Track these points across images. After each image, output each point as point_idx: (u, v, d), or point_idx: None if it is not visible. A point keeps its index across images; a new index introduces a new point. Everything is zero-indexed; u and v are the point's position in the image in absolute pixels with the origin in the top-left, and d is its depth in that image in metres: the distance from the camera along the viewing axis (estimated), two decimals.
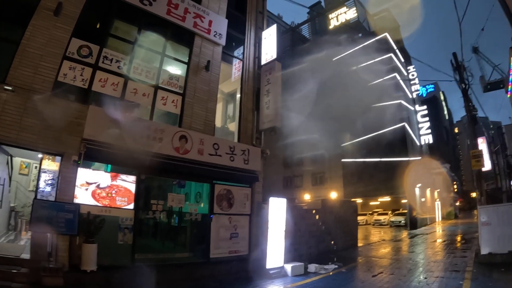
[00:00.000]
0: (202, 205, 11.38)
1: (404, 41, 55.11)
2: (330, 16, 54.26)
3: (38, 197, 9.27)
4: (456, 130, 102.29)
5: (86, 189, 8.71)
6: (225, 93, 15.90)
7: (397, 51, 47.95)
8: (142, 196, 9.89)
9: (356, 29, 48.03)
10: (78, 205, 8.22)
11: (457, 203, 65.22)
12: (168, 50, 11.43)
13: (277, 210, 11.52)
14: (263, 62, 13.63)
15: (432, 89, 77.58)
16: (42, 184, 9.73)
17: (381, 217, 38.99)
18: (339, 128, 40.00)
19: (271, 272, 10.78)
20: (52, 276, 7.52)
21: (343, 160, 44.35)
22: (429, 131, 44.24)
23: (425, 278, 9.84)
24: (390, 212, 39.07)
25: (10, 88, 7.83)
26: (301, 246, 13.79)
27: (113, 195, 9.13)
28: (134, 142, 9.22)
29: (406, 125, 41.99)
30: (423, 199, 38.84)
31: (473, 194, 62.85)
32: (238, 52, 14.23)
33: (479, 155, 15.78)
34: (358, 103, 38.45)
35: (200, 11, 12.09)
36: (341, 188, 43.81)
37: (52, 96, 8.39)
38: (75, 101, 9.08)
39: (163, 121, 11.29)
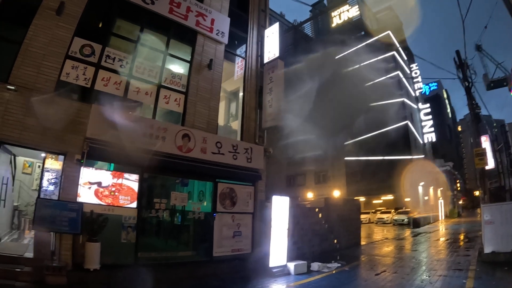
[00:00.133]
0: (205, 203, 11.37)
1: (407, 39, 54.89)
2: (333, 14, 54.08)
3: (41, 196, 9.33)
4: (459, 128, 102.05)
5: (89, 188, 8.72)
6: (228, 91, 15.88)
7: (400, 49, 47.86)
8: (145, 195, 9.90)
9: (359, 27, 47.83)
10: (81, 204, 8.23)
11: (460, 202, 65.12)
12: (170, 48, 11.42)
13: (280, 208, 11.51)
14: (265, 60, 13.61)
15: (435, 87, 77.42)
16: (45, 183, 9.78)
17: (384, 216, 38.90)
18: (342, 127, 40.00)
19: (274, 270, 10.77)
20: (55, 275, 7.55)
21: (346, 158, 44.36)
22: (432, 129, 44.17)
23: (428, 276, 9.81)
24: (393, 210, 38.98)
25: (13, 87, 7.85)
26: (304, 245, 13.78)
27: (116, 194, 9.14)
28: (137, 141, 9.22)
29: (409, 123, 41.99)
30: (426, 198, 38.79)
31: (477, 193, 62.87)
32: (240, 50, 14.21)
33: (483, 153, 15.72)
34: (361, 102, 38.45)
35: (202, 9, 12.08)
36: (344, 187, 43.85)
37: (55, 96, 8.39)
38: (77, 100, 9.11)
39: (165, 119, 11.31)
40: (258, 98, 13.34)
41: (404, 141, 40.78)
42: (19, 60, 8.21)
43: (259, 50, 13.96)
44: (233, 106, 16.14)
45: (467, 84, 16.90)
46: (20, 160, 13.28)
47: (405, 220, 34.48)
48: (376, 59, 42.64)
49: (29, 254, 8.32)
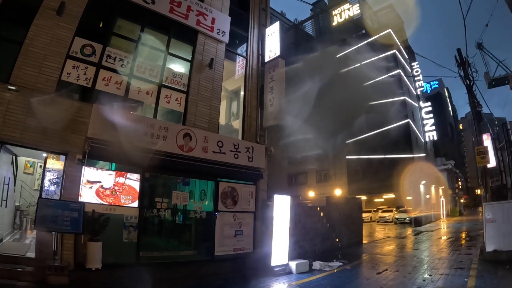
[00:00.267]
0: (206, 202, 11.38)
1: (408, 38, 54.79)
2: (333, 13, 53.99)
3: (43, 196, 9.34)
4: (460, 127, 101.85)
5: (91, 188, 8.73)
6: (229, 90, 15.88)
7: (401, 47, 47.80)
8: (146, 194, 9.91)
9: (360, 26, 47.76)
10: (83, 203, 8.23)
11: (462, 200, 65.08)
12: (171, 48, 11.42)
13: (281, 207, 11.51)
14: (266, 59, 13.60)
15: (437, 86, 77.24)
16: (46, 183, 9.79)
17: (386, 214, 38.87)
18: (343, 125, 39.97)
19: (275, 269, 10.78)
20: (57, 275, 7.56)
21: (347, 157, 44.32)
22: (434, 127, 44.10)
23: (430, 275, 9.80)
24: (394, 209, 38.94)
25: (14, 87, 7.86)
26: (306, 244, 13.79)
27: (118, 193, 9.14)
28: (138, 140, 9.23)
29: (411, 122, 41.94)
30: (427, 196, 38.75)
31: (478, 191, 62.75)
32: (241, 49, 14.21)
33: (484, 151, 15.70)
34: (362, 100, 38.42)
35: (203, 8, 12.07)
36: (345, 185, 43.82)
37: (56, 96, 8.40)
38: (79, 100, 9.12)
39: (167, 119, 11.31)
40: (259, 97, 13.32)
41: (406, 140, 40.71)
42: (20, 60, 8.22)
43: (260, 49, 13.95)
44: (234, 105, 16.14)
45: (468, 82, 16.87)
46: (22, 160, 13.31)
47: (407, 218, 34.45)
48: (377, 57, 42.52)
49: (31, 254, 8.35)
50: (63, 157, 8.84)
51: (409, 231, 26.89)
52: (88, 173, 8.71)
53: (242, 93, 13.52)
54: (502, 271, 9.87)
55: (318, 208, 15.51)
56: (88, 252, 8.08)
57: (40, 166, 13.03)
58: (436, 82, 76.86)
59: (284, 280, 10.09)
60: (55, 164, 9.93)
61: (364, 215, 27.59)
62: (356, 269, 11.69)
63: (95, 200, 8.72)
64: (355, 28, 47.36)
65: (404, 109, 42.10)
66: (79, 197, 8.39)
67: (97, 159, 9.10)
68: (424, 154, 43.01)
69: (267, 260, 10.95)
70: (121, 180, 9.29)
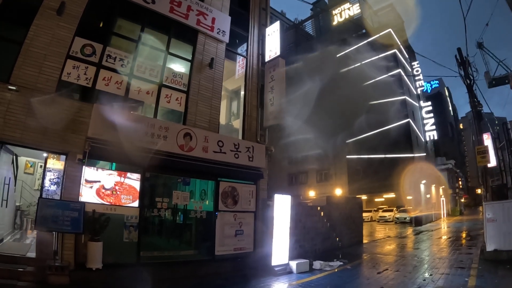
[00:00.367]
0: (207, 202, 11.38)
1: (408, 37, 54.75)
2: (334, 12, 53.94)
3: (43, 196, 9.34)
4: (461, 126, 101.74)
5: (91, 188, 8.74)
6: (229, 90, 15.88)
7: (401, 47, 47.77)
8: (147, 194, 9.91)
9: (360, 26, 47.71)
10: (83, 203, 8.23)
11: (462, 200, 65.05)
12: (171, 48, 11.42)
13: (282, 207, 11.50)
14: (266, 59, 13.60)
15: (437, 85, 77.15)
16: (47, 183, 9.78)
17: (386, 214, 38.87)
18: (344, 125, 39.96)
19: (276, 269, 10.78)
20: (57, 275, 7.57)
21: (348, 156, 44.30)
22: (434, 127, 44.08)
23: (431, 275, 9.80)
24: (395, 208, 38.93)
25: (14, 87, 7.86)
26: (306, 243, 13.79)
27: (118, 193, 9.15)
28: (138, 140, 9.24)
29: (411, 121, 41.92)
30: (428, 196, 38.74)
31: (479, 191, 62.73)
32: (241, 49, 14.22)
33: (485, 151, 15.69)
34: (362, 100, 38.41)
35: (203, 8, 12.07)
36: (346, 185, 43.80)
37: (56, 95, 8.40)
38: (79, 100, 9.12)
39: (167, 119, 11.31)
40: (260, 96, 13.33)
41: (406, 139, 40.69)
42: (20, 60, 8.22)
43: (260, 49, 13.95)
44: (235, 105, 16.15)
45: (468, 82, 16.86)
46: (22, 160, 13.30)
47: (407, 218, 34.43)
48: (377, 57, 42.52)
49: (32, 254, 8.36)
50: (63, 157, 8.85)
51: (409, 230, 26.89)
52: (89, 173, 8.72)
53: (242, 92, 13.53)
54: (502, 270, 9.86)
55: (319, 208, 15.51)
56: (89, 252, 8.08)
57: (41, 166, 13.03)
58: (437, 81, 76.79)
59: (284, 279, 10.08)
60: (56, 164, 9.92)
61: (364, 214, 27.60)
62: (357, 268, 11.70)
63: (95, 200, 8.73)
64: (355, 28, 47.30)
65: (405, 108, 42.08)
66: (80, 197, 8.40)
67: (98, 159, 9.09)
68: (425, 154, 42.98)
69: (267, 260, 10.95)
70: (121, 180, 9.30)
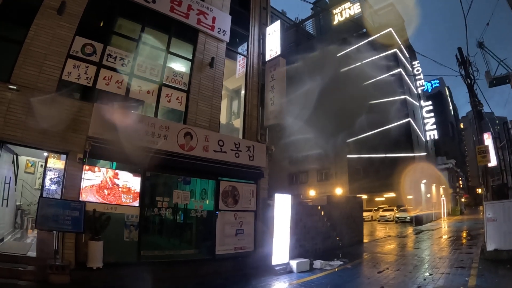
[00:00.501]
0: (207, 201, 11.38)
1: (409, 37, 54.73)
2: (334, 12, 53.90)
3: (44, 195, 9.32)
4: (461, 126, 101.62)
5: (92, 187, 8.74)
6: (230, 89, 15.88)
7: (401, 46, 47.74)
8: (147, 193, 9.92)
9: (360, 25, 47.68)
10: (84, 202, 8.24)
11: (463, 199, 65.04)
12: (172, 47, 11.42)
13: (282, 206, 11.50)
14: (267, 58, 13.59)
15: (437, 85, 77.09)
16: (47, 182, 9.77)
17: (387, 213, 38.82)
18: (344, 124, 39.95)
19: (276, 268, 10.78)
20: (58, 274, 7.57)
21: (348, 156, 44.32)
22: (434, 126, 44.05)
23: (431, 274, 9.80)
24: (395, 208, 38.91)
25: (14, 87, 7.87)
26: (307, 243, 13.80)
27: (119, 192, 9.16)
28: (139, 140, 9.25)
29: (411, 121, 41.91)
30: (428, 195, 38.74)
31: (479, 190, 62.69)
32: (242, 48, 14.22)
33: (485, 150, 15.69)
34: (363, 99, 38.40)
35: (203, 7, 12.07)
36: (346, 184, 43.82)
37: (56, 95, 8.41)
38: (79, 100, 9.12)
39: (167, 118, 11.32)
40: (260, 96, 13.32)
41: (406, 139, 40.69)
42: (21, 59, 8.22)
43: (261, 48, 13.95)
44: (235, 104, 16.14)
45: (469, 81, 16.86)
46: (23, 159, 13.31)
47: (408, 217, 34.41)
48: (377, 56, 42.53)
49: (32, 253, 8.36)
50: (64, 156, 8.86)
51: (409, 230, 26.88)
52: (89, 172, 8.73)
53: (243, 92, 13.53)
54: (503, 270, 9.85)
55: (319, 207, 15.51)
56: (89, 251, 8.09)
57: (41, 165, 13.03)
58: (437, 81, 76.72)
59: (285, 279, 10.08)
60: (56, 163, 9.92)
61: (365, 214, 27.60)
62: (357, 268, 11.70)
63: (96, 199, 8.74)
64: (356, 27, 47.24)
65: (405, 108, 42.07)
66: (80, 196, 8.41)
67: (98, 158, 9.09)
68: (425, 153, 42.98)
69: (268, 259, 10.96)
70: (122, 179, 9.31)
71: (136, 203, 9.40)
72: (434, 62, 20.61)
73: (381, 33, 44.98)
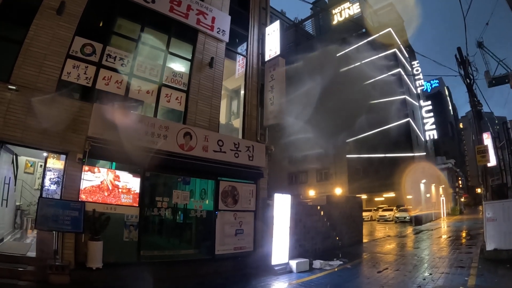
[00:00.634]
0: (207, 201, 11.38)
1: (408, 37, 54.73)
2: (334, 11, 53.89)
3: (44, 195, 9.33)
4: (461, 126, 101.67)
5: (91, 187, 8.74)
6: (229, 89, 15.88)
7: (401, 46, 47.75)
8: (147, 193, 9.92)
9: (360, 25, 47.69)
10: (84, 203, 8.24)
11: (462, 199, 65.07)
12: (171, 47, 11.42)
13: (282, 206, 11.51)
14: (266, 58, 13.59)
15: (437, 84, 77.11)
16: (47, 183, 9.78)
17: (386, 213, 38.85)
18: (344, 124, 39.95)
19: (276, 268, 10.78)
20: (58, 274, 7.57)
21: (348, 156, 44.32)
22: (434, 126, 44.04)
23: (430, 274, 9.81)
24: (395, 208, 38.93)
25: (14, 87, 7.87)
26: (306, 242, 13.80)
27: (118, 192, 9.16)
28: (138, 140, 9.24)
29: (411, 121, 41.92)
30: (428, 195, 38.75)
31: (479, 190, 62.70)
32: (241, 48, 14.21)
33: (485, 150, 15.70)
34: (362, 99, 38.40)
35: (203, 8, 12.07)
36: (346, 184, 43.82)
37: (56, 95, 8.41)
38: (79, 100, 9.12)
39: (167, 118, 11.31)
40: (260, 96, 13.32)
41: (406, 139, 40.70)
42: (20, 60, 8.22)
43: (260, 48, 13.95)
44: (235, 104, 16.14)
45: (468, 81, 16.87)
46: (22, 159, 13.30)
47: (407, 217, 34.43)
48: (377, 56, 42.55)
49: (32, 254, 8.37)
50: (63, 156, 8.85)
51: (409, 230, 26.90)
52: (89, 172, 8.73)
53: (242, 92, 13.52)
54: (502, 269, 9.87)
55: (319, 207, 15.52)
56: (89, 251, 8.09)
57: (41, 165, 13.03)
58: (437, 81, 76.74)
59: (284, 279, 10.09)
60: (56, 163, 9.93)
61: (364, 214, 27.62)
62: (357, 268, 11.71)
63: (95, 199, 8.74)
64: (355, 27, 47.25)
65: (405, 108, 42.07)
66: (80, 196, 8.40)
67: (98, 159, 9.09)
68: (425, 153, 42.97)
69: (267, 259, 10.97)
70: (121, 179, 9.31)
71: (136, 203, 9.40)
72: (433, 62, 20.64)
73: (381, 33, 44.98)
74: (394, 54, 44.63)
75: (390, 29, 45.49)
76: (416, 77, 47.56)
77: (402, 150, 39.51)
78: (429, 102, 46.01)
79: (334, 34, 49.84)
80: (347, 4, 52.60)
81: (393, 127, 39.80)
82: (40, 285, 7.36)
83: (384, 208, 40.82)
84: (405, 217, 34.95)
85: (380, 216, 39.24)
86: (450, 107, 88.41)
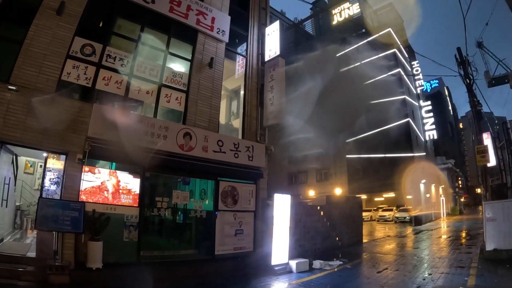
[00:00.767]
0: (206, 202, 11.38)
1: (408, 37, 54.75)
2: (333, 12, 53.90)
3: (43, 195, 9.33)
4: (461, 126, 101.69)
5: (91, 187, 8.74)
6: (229, 89, 15.88)
7: (401, 46, 47.76)
8: (147, 194, 9.92)
9: (360, 25, 47.69)
10: (83, 203, 8.25)
11: (462, 199, 65.09)
12: (171, 47, 11.42)
13: (282, 206, 11.52)
14: (266, 58, 13.60)
15: (437, 85, 77.11)
16: (47, 183, 9.78)
17: (386, 213, 38.85)
18: (344, 124, 39.96)
19: (276, 268, 10.79)
20: (58, 274, 7.57)
21: (347, 156, 44.32)
22: (434, 126, 44.05)
23: (430, 274, 9.81)
24: (395, 208, 38.94)
25: (14, 87, 7.87)
26: (306, 243, 13.81)
27: (118, 192, 9.16)
28: (138, 140, 9.24)
29: (411, 121, 41.92)
30: (427, 195, 38.76)
31: (478, 190, 62.73)
32: (241, 48, 14.21)
33: (484, 150, 15.70)
34: (362, 99, 38.41)
35: (203, 8, 12.07)
36: (345, 184, 43.83)
37: (56, 95, 8.41)
38: (79, 100, 9.12)
39: (167, 118, 11.32)
40: (259, 96, 13.32)
41: (406, 139, 40.72)
42: (20, 60, 8.22)
43: (260, 48, 13.95)
44: (234, 104, 16.14)
45: (468, 81, 16.87)
46: (22, 160, 13.31)
47: (407, 217, 34.44)
48: (377, 56, 42.56)
49: (32, 254, 8.37)
50: (63, 156, 8.85)
51: (409, 230, 26.91)
52: (89, 172, 8.72)
53: (242, 92, 13.52)
54: (502, 270, 9.87)
55: (319, 207, 15.52)
56: (89, 251, 8.09)
57: (41, 165, 13.03)
58: (436, 81, 76.74)
59: (284, 279, 10.09)
60: (56, 163, 9.93)
61: (364, 214, 27.63)
62: (357, 268, 11.71)
63: (95, 199, 8.74)
64: (355, 27, 47.28)
65: (404, 108, 42.08)
66: (80, 196, 8.40)
67: (98, 159, 9.08)
68: (424, 153, 42.98)
69: (267, 259, 10.97)
70: (121, 179, 9.30)
71: (136, 203, 9.40)
72: (433, 62, 20.66)
73: (380, 33, 45.00)
74: (394, 54, 44.64)
75: (390, 29, 45.51)
76: (416, 77, 47.57)
77: (402, 150, 39.52)
78: (429, 102, 46.02)
79: (334, 34, 49.81)
80: (346, 4, 52.62)
81: (393, 127, 39.80)
82: (40, 285, 7.36)
83: (384, 208, 40.82)
84: (405, 217, 34.96)
85: (380, 216, 39.24)
86: (450, 107, 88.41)
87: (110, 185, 9.08)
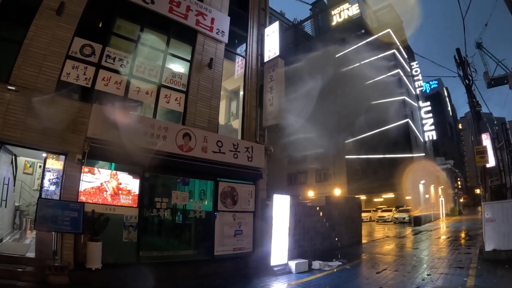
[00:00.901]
0: (206, 202, 11.37)
1: (407, 37, 54.83)
2: (333, 12, 53.98)
3: (43, 196, 9.34)
4: (460, 126, 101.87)
5: (91, 188, 8.73)
6: (228, 90, 15.88)
7: (400, 47, 47.83)
8: (146, 194, 9.92)
9: (359, 26, 47.76)
10: (83, 203, 8.24)
11: (461, 200, 65.13)
12: (170, 48, 11.42)
13: (281, 207, 11.52)
14: (266, 59, 13.60)
15: (436, 85, 77.27)
16: (46, 183, 9.79)
17: (385, 214, 38.87)
18: (343, 125, 40.02)
19: (275, 269, 10.79)
20: (57, 275, 7.57)
21: (347, 156, 44.36)
22: (433, 127, 44.19)
23: (429, 274, 9.82)
24: (394, 208, 38.97)
25: (13, 88, 7.86)
26: (305, 243, 13.81)
27: (117, 193, 9.15)
28: (137, 140, 9.23)
29: (410, 122, 42.01)
30: (427, 196, 38.79)
31: (478, 191, 62.83)
32: (241, 49, 14.20)
33: (483, 151, 15.71)
34: (362, 100, 38.47)
35: (202, 8, 12.07)
36: (345, 185, 43.88)
37: (55, 96, 8.40)
38: (78, 100, 9.13)
39: (166, 119, 11.32)
40: (259, 96, 13.32)
41: (405, 139, 40.82)
42: (20, 60, 8.22)
43: (259, 49, 13.95)
44: (234, 105, 16.14)
45: (467, 82, 16.88)
46: (21, 160, 13.31)
47: (406, 218, 34.47)
48: (376, 57, 42.65)
49: (31, 254, 8.37)
50: (62, 157, 8.84)
51: (408, 230, 26.91)
52: (88, 173, 8.72)
53: (241, 93, 13.52)
54: (501, 270, 9.88)
55: (318, 208, 15.52)
56: (88, 252, 8.08)
57: (40, 166, 13.03)
58: (436, 81, 76.91)
59: (283, 279, 10.10)
60: (55, 164, 9.93)
61: (363, 214, 27.68)
62: (356, 268, 11.71)
63: (95, 200, 8.73)
64: (355, 28, 47.35)
65: (404, 108, 42.17)
66: (79, 197, 8.39)
67: (97, 159, 9.08)
68: (424, 154, 43.08)
69: (266, 260, 10.97)
70: (120, 180, 9.29)
71: (135, 204, 9.38)
72: (432, 63, 20.65)
73: (380, 34, 45.09)
74: (393, 54, 44.76)
75: (389, 30, 45.64)
76: (415, 78, 47.70)
77: (401, 150, 39.60)
78: (428, 103, 46.17)
79: (333, 35, 49.87)
80: (346, 5, 52.73)
81: (392, 127, 39.88)
82: (39, 285, 7.35)
83: (383, 208, 40.85)
84: (404, 218, 34.98)
85: (379, 216, 39.27)
86: (449, 108, 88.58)
87: (110, 185, 9.07)
